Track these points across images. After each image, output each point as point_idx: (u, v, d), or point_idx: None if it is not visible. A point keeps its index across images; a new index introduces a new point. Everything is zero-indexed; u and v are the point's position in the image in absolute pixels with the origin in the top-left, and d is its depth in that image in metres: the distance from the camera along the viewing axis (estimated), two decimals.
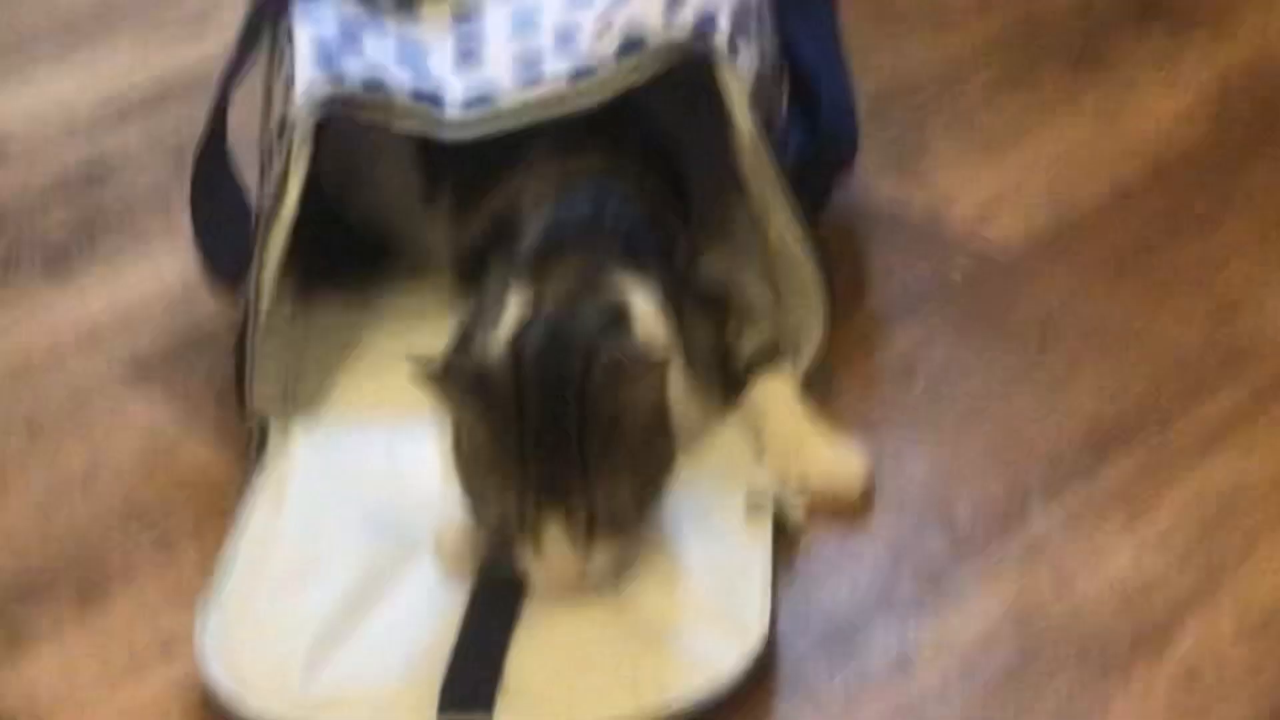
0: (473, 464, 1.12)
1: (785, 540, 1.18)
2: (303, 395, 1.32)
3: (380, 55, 1.31)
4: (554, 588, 1.11)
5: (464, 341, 1.25)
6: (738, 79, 1.26)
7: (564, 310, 1.16)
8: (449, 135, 1.27)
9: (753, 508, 1.19)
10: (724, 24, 1.27)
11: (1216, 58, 1.67)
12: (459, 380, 1.12)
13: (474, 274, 1.31)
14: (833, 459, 1.22)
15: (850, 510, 1.21)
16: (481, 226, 1.32)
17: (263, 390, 1.27)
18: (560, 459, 1.09)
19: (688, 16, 1.27)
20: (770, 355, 1.28)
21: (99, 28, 1.91)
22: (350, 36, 1.30)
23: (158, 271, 1.52)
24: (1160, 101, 1.62)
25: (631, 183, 1.30)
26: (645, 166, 1.32)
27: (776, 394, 1.26)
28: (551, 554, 1.10)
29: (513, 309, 1.18)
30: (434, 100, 1.28)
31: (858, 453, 1.22)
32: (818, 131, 1.38)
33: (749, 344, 1.29)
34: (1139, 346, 1.33)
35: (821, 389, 1.29)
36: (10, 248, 1.57)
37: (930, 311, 1.39)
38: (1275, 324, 1.35)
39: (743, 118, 1.26)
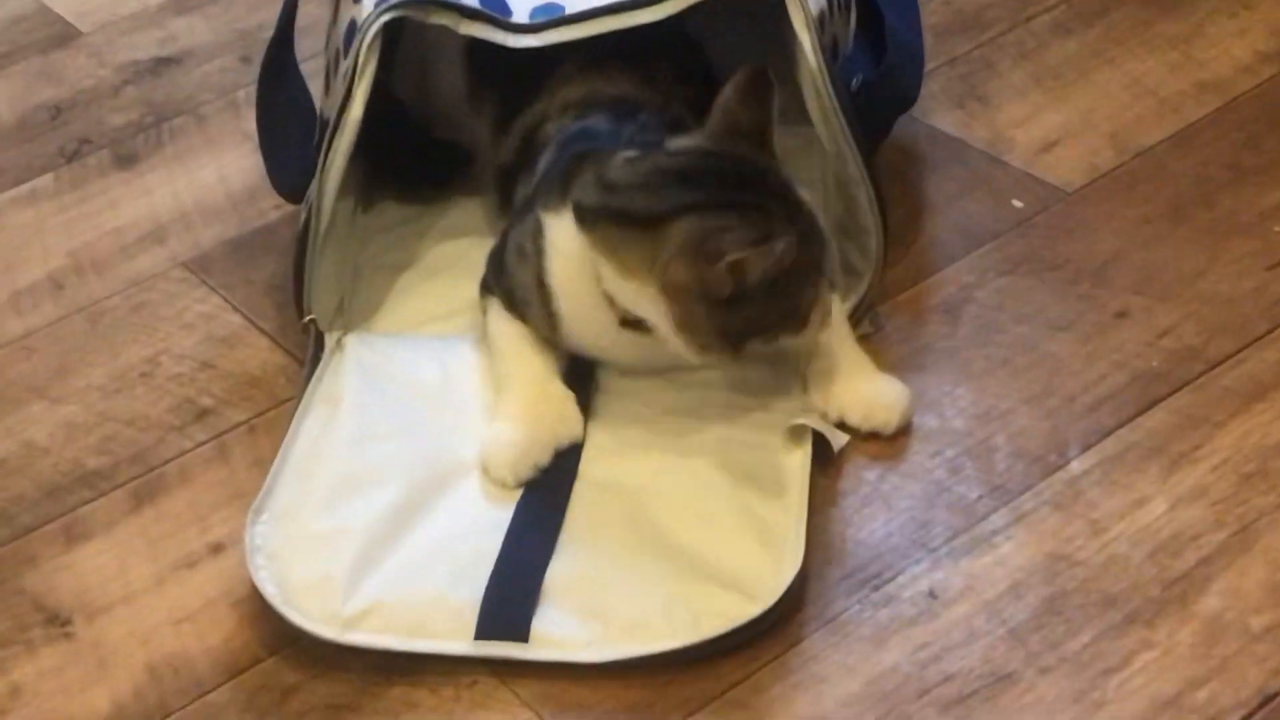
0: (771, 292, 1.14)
1: (824, 471, 1.20)
2: (358, 304, 1.34)
3: None
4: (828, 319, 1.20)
5: (495, 260, 1.28)
6: (804, 5, 1.26)
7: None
8: (514, 41, 1.28)
9: (792, 436, 1.21)
10: None
11: None
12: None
13: (507, 191, 1.33)
14: (873, 394, 1.23)
15: (889, 447, 1.22)
16: (513, 143, 1.34)
17: (320, 298, 1.29)
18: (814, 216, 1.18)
19: None
20: None
21: None
22: None
23: (222, 165, 1.55)
24: (1233, 41, 1.60)
25: (655, 108, 1.30)
26: (673, 96, 1.32)
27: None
28: (815, 323, 1.18)
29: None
30: (501, 7, 1.29)
31: (899, 389, 1.24)
32: (883, 68, 1.37)
33: None
34: (1190, 294, 1.33)
35: (870, 322, 1.31)
36: (80, 138, 1.59)
37: (984, 249, 1.39)
38: None
39: (808, 45, 1.26)
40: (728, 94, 1.19)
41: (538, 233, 1.22)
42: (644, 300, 1.16)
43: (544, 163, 1.28)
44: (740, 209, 1.15)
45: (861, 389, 1.23)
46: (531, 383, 1.23)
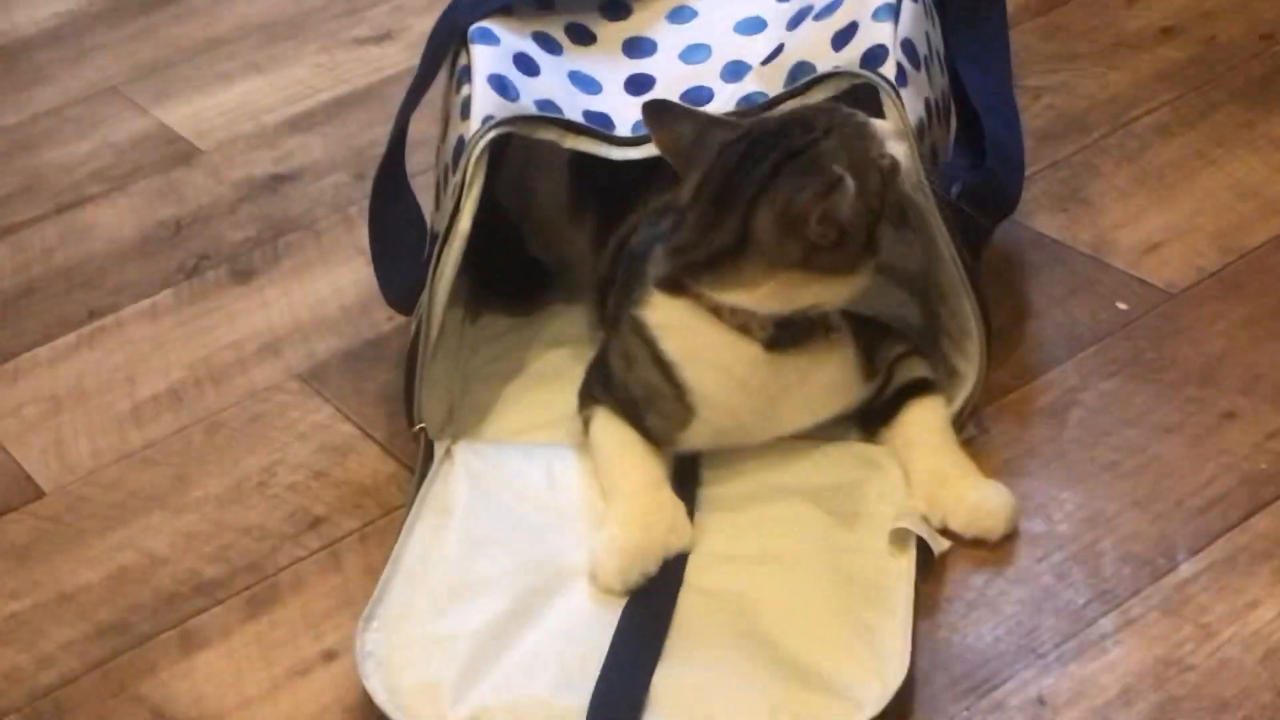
0: None
1: (928, 577, 1.20)
2: (467, 412, 1.36)
3: (555, 81, 1.35)
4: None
5: (600, 372, 1.30)
6: (903, 110, 1.28)
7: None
8: (618, 154, 1.31)
9: (897, 541, 1.21)
10: (893, 56, 1.29)
11: None
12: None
13: (606, 301, 1.35)
14: (978, 499, 1.23)
15: (995, 552, 1.22)
16: (609, 254, 1.37)
17: (430, 407, 1.32)
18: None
19: (857, 48, 1.29)
20: (924, 386, 1.30)
21: (290, 37, 1.98)
22: (527, 66, 1.34)
23: (336, 279, 1.58)
24: None
25: None
26: None
27: (927, 425, 1.28)
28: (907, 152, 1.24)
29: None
30: (605, 122, 1.32)
31: (1004, 494, 1.23)
32: (982, 173, 1.39)
33: (904, 373, 1.31)
34: None
35: (974, 426, 1.31)
36: (199, 254, 1.64)
37: (1089, 351, 1.39)
38: None
39: (905, 154, 1.27)
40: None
41: (638, 329, 1.25)
42: (786, 290, 1.19)
43: (622, 272, 1.31)
44: (787, 166, 1.19)
45: (966, 494, 1.23)
46: (640, 490, 1.24)
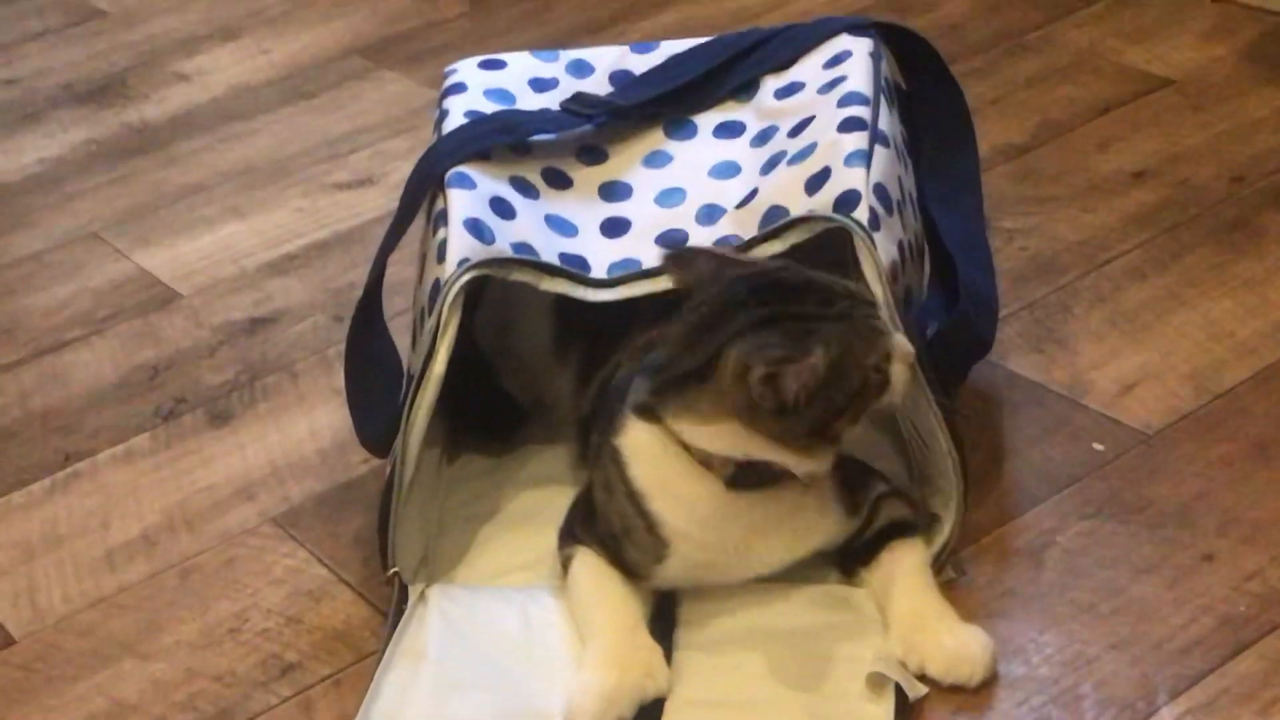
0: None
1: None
2: (442, 555, 1.35)
3: (532, 225, 1.35)
4: (911, 355, 1.22)
5: (583, 507, 1.29)
6: (876, 254, 1.28)
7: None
8: (592, 296, 1.31)
9: (874, 686, 1.20)
10: (865, 201, 1.30)
11: None
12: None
13: (587, 441, 1.35)
14: (955, 645, 1.22)
15: (974, 696, 1.21)
16: (592, 393, 1.38)
17: (404, 550, 1.31)
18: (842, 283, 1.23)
19: (830, 193, 1.31)
20: (905, 527, 1.30)
21: (271, 182, 1.99)
22: (503, 210, 1.35)
23: (313, 421, 1.58)
24: None
25: None
26: None
27: (907, 567, 1.27)
28: (890, 331, 1.21)
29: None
30: (580, 264, 1.33)
31: (982, 640, 1.22)
32: (956, 315, 1.39)
33: (886, 512, 1.30)
34: (1277, 535, 1.32)
35: (952, 568, 1.31)
36: (176, 397, 1.64)
37: (1066, 492, 1.39)
38: None
39: (880, 291, 1.28)
40: None
41: (614, 458, 1.25)
42: (735, 437, 1.18)
43: (604, 407, 1.32)
44: (781, 323, 1.18)
45: (944, 640, 1.22)
46: (617, 632, 1.23)
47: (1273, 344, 1.53)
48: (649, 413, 1.23)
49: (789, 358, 1.14)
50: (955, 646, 1.22)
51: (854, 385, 1.18)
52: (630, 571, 1.26)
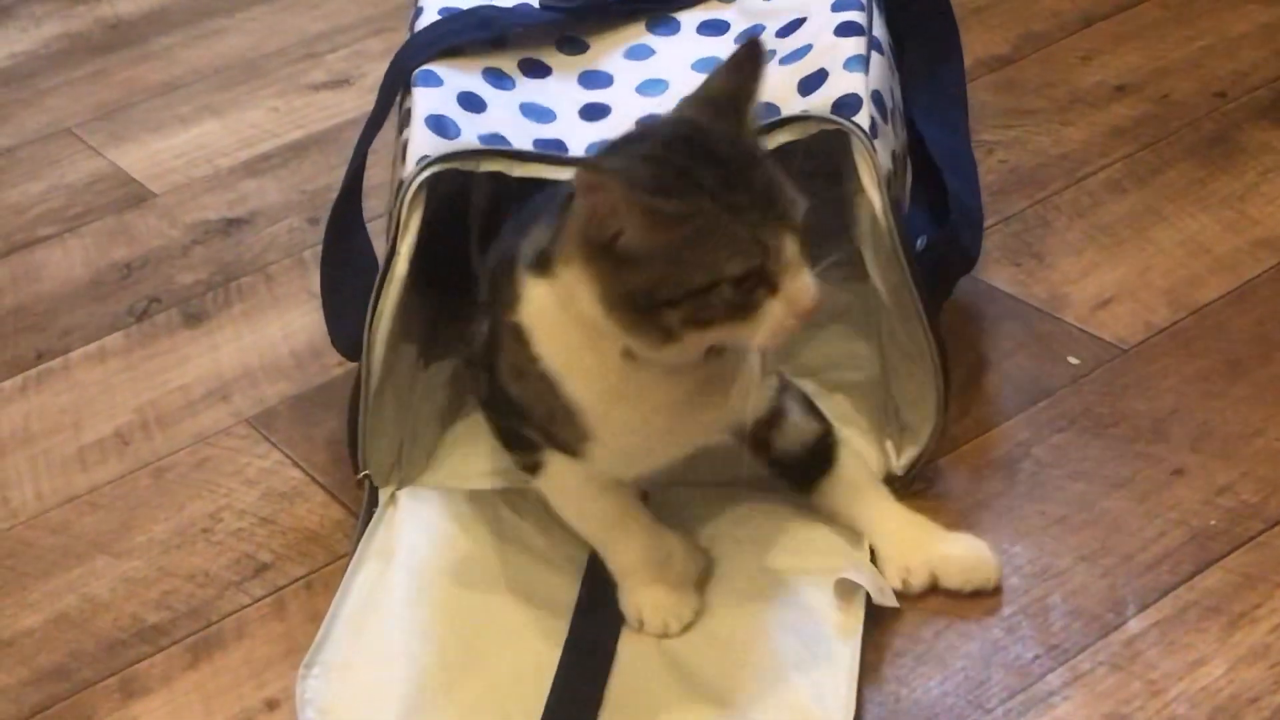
0: (691, 247, 1.04)
1: (876, 630, 1.19)
2: (414, 459, 1.35)
3: (505, 115, 1.34)
4: (803, 308, 1.05)
5: (500, 410, 1.22)
6: (877, 159, 1.27)
7: None
8: (568, 175, 1.29)
9: (845, 594, 1.20)
10: (867, 107, 1.28)
11: None
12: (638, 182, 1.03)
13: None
14: (964, 553, 1.22)
15: (945, 605, 1.22)
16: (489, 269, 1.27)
17: (377, 452, 1.31)
18: (774, 188, 1.06)
19: (827, 95, 1.28)
20: (835, 441, 1.27)
21: (247, 81, 1.97)
22: (472, 104, 1.33)
23: (287, 323, 1.57)
24: None
25: None
26: None
27: (871, 482, 1.27)
28: (798, 272, 1.05)
29: None
30: (559, 147, 1.32)
31: (980, 543, 1.23)
32: (947, 229, 1.39)
33: (826, 423, 1.27)
34: (1248, 451, 1.33)
35: (926, 477, 1.31)
36: (150, 297, 1.63)
37: (1040, 405, 1.39)
38: None
39: (879, 204, 1.26)
40: (718, 65, 1.13)
41: (516, 336, 1.14)
42: (586, 289, 1.07)
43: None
44: (659, 163, 1.05)
45: (951, 551, 1.23)
46: (642, 540, 1.21)
47: (1250, 260, 1.53)
48: (545, 264, 1.11)
49: (628, 183, 1.02)
50: (964, 554, 1.22)
51: (696, 281, 1.04)
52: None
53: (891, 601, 1.20)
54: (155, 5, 2.16)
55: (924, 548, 1.23)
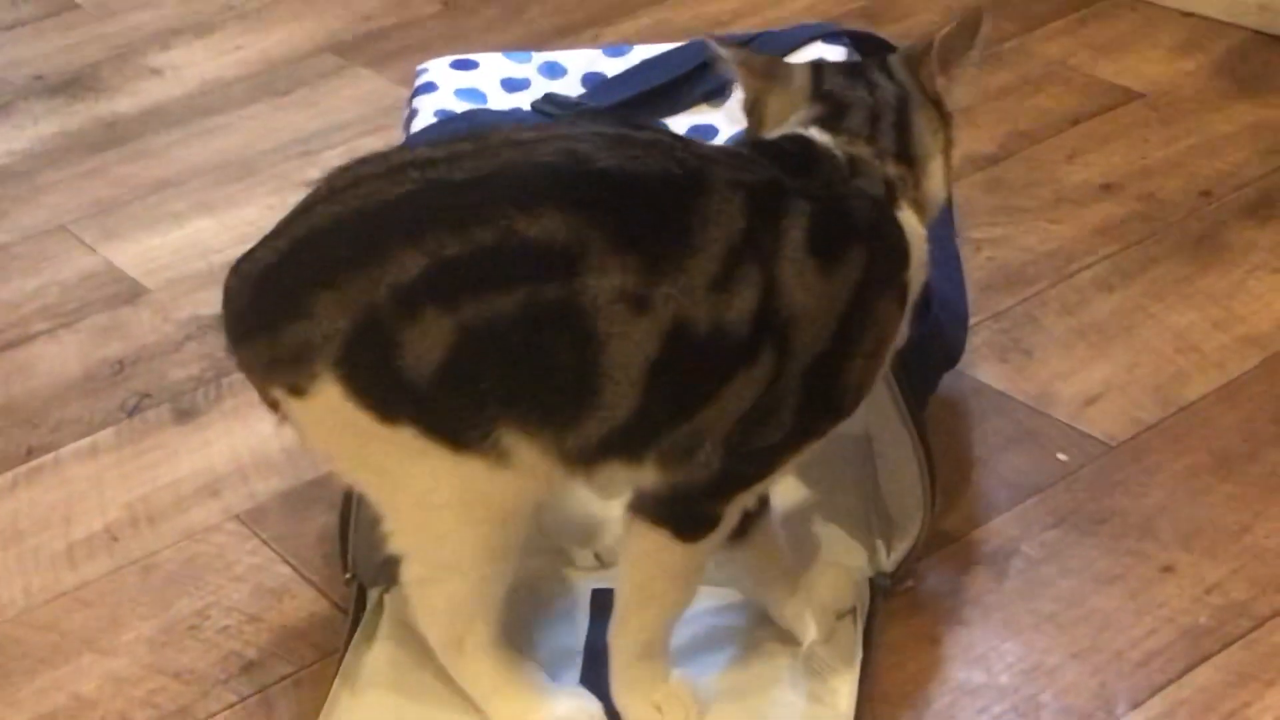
0: None
1: None
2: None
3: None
4: None
5: None
6: None
7: None
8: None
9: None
10: None
11: None
12: None
13: None
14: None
15: (934, 704, 1.21)
16: None
17: (363, 553, 1.30)
18: None
19: None
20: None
21: (242, 178, 1.99)
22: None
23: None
24: (1275, 297, 1.61)
25: None
26: None
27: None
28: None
29: None
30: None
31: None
32: (928, 326, 1.39)
33: None
34: (1237, 548, 1.33)
35: (916, 573, 1.31)
36: (141, 393, 1.63)
37: (1030, 502, 1.39)
38: None
39: None
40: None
41: None
42: None
43: None
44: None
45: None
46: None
47: (1237, 358, 1.54)
48: None
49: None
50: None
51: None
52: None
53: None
54: (153, 103, 2.18)
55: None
